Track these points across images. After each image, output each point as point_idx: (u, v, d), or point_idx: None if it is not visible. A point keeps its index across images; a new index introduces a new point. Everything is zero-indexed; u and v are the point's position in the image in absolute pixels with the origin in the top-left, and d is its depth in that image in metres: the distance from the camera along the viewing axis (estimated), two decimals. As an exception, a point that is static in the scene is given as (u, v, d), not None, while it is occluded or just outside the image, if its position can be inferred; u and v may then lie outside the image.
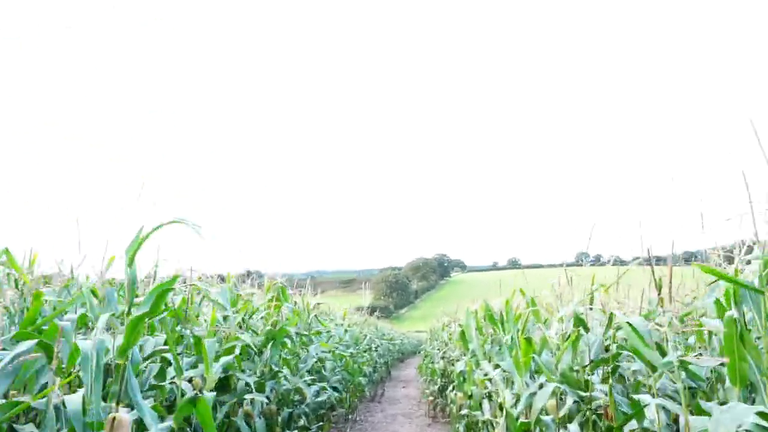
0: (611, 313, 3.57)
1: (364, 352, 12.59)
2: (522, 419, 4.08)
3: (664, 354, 2.90)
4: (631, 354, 3.29)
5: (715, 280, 3.12)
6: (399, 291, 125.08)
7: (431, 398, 10.23)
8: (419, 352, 36.82)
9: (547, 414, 3.96)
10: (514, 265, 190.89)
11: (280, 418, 5.34)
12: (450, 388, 9.29)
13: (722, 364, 2.51)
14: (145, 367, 3.38)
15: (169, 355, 3.39)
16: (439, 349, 12.27)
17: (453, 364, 10.11)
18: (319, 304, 10.95)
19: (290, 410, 5.78)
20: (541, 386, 3.88)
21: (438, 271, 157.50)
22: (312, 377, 6.47)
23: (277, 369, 5.29)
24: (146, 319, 2.78)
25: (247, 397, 4.41)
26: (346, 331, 10.16)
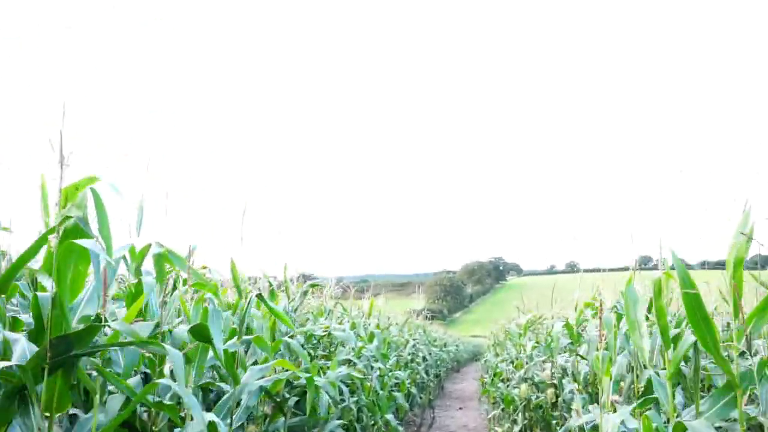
0: None
1: (404, 366, 8.88)
2: None
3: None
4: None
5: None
6: (453, 295, 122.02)
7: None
8: (477, 360, 33.19)
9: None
10: (572, 268, 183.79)
11: None
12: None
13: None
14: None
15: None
16: (512, 363, 8.48)
17: (542, 390, 6.33)
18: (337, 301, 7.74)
19: None
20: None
21: (493, 274, 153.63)
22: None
23: None
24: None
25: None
26: (371, 336, 6.54)
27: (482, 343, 38.87)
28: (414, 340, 10.87)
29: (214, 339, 2.55)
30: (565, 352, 6.21)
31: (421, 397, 9.98)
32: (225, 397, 2.77)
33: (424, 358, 11.28)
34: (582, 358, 4.90)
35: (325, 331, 4.97)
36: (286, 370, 3.19)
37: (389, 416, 5.78)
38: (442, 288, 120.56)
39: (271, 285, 4.70)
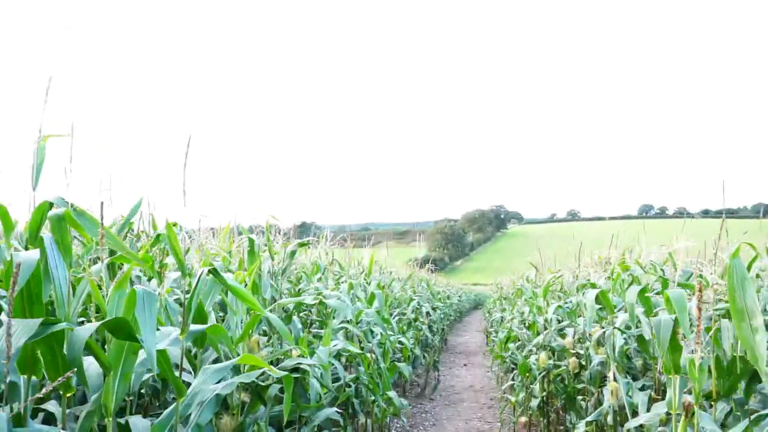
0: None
1: (408, 325, 8.17)
2: None
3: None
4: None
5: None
6: (454, 243, 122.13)
7: (523, 419, 5.84)
8: (478, 308, 32.82)
9: None
10: (573, 216, 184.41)
11: None
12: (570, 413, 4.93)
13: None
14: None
15: None
16: (524, 324, 7.77)
17: (560, 358, 5.62)
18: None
19: None
20: None
21: (494, 222, 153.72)
22: None
23: None
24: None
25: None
26: (371, 297, 5.80)
27: (483, 291, 38.54)
28: (417, 296, 10.16)
29: (143, 336, 1.77)
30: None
31: (425, 357, 9.34)
32: (165, 414, 1.99)
33: (428, 314, 10.60)
34: (620, 331, 4.14)
35: (316, 298, 4.20)
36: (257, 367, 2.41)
37: (392, 393, 5.07)
38: (443, 236, 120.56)
39: (251, 244, 3.92)
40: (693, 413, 2.42)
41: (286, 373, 2.44)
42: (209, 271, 2.17)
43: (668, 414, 2.67)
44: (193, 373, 2.41)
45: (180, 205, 2.48)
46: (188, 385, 2.97)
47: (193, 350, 3.04)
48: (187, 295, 2.14)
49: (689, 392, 2.91)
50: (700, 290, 2.00)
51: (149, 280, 3.51)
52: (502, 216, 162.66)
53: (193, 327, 2.13)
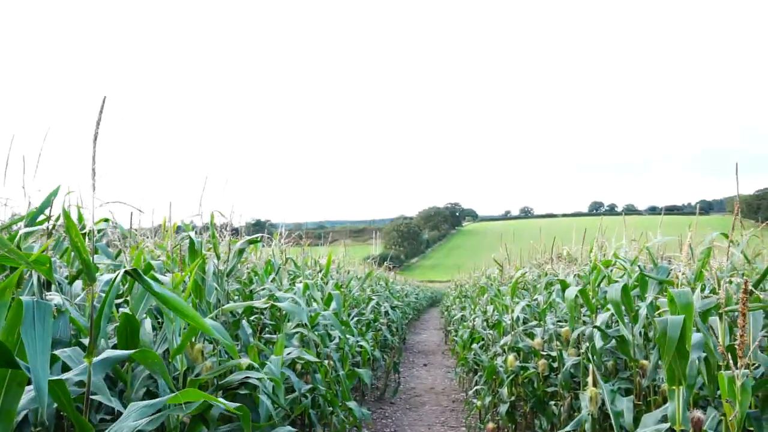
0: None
1: (366, 326, 7.78)
2: None
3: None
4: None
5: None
6: (410, 240, 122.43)
7: (491, 425, 5.50)
8: (435, 305, 32.62)
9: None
10: (526, 214, 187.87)
11: None
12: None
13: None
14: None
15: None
16: (486, 322, 7.47)
17: (526, 359, 5.32)
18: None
19: None
20: None
21: (450, 220, 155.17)
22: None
23: None
24: None
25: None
26: (328, 298, 5.38)
27: (440, 288, 38.45)
28: (376, 295, 9.77)
29: (30, 362, 1.32)
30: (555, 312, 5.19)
31: (385, 359, 8.95)
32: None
33: (386, 313, 10.22)
34: (600, 330, 3.84)
35: (268, 301, 3.75)
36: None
37: (351, 404, 4.65)
38: (399, 234, 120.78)
39: (192, 242, 3.45)
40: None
41: (240, 404, 1.99)
42: (129, 274, 1.71)
43: (671, 430, 2.34)
44: (120, 398, 1.94)
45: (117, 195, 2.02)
46: (111, 414, 2.49)
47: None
48: (97, 305, 1.67)
49: (696, 405, 2.60)
50: (745, 291, 1.66)
51: (70, 283, 3.02)
52: (457, 214, 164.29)
53: (110, 353, 1.67)
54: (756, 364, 2.35)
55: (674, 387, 2.33)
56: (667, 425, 2.41)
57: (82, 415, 1.55)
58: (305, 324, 4.73)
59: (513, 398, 5.39)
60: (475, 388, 6.37)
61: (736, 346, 1.65)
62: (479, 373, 6.78)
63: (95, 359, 1.60)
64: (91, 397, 2.11)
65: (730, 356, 1.84)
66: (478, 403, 6.11)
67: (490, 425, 5.33)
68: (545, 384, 5.07)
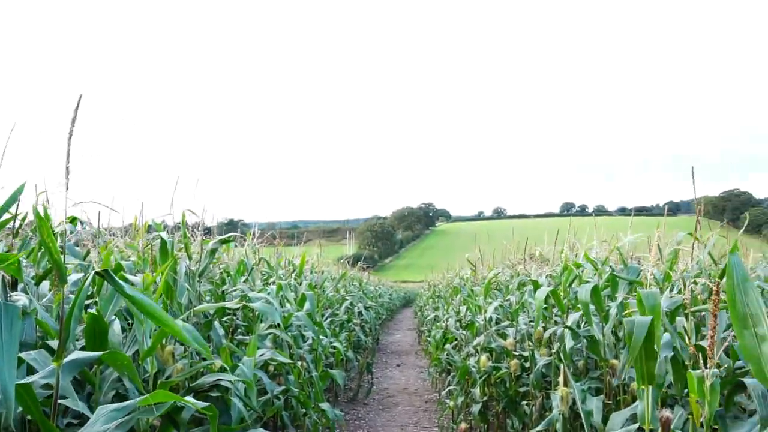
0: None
1: (340, 327, 7.76)
2: None
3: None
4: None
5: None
6: (384, 241, 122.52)
7: (464, 425, 5.53)
8: (408, 305, 32.65)
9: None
10: (499, 214, 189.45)
11: None
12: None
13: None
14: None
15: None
16: (459, 323, 7.51)
17: (499, 359, 5.36)
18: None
19: None
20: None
21: (423, 220, 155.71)
22: None
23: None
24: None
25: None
26: (301, 299, 5.36)
27: (413, 289, 38.53)
28: (350, 296, 9.75)
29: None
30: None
31: (358, 360, 8.94)
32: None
33: (360, 314, 10.21)
34: (570, 330, 3.88)
35: (240, 302, 3.72)
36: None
37: (325, 405, 4.64)
38: (373, 234, 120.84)
39: (164, 242, 3.40)
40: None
41: (208, 404, 1.97)
42: (100, 274, 1.68)
43: (640, 429, 2.38)
44: (87, 401, 1.90)
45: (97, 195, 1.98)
46: (78, 418, 2.44)
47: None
48: (69, 304, 1.64)
49: (664, 404, 2.65)
50: (717, 292, 1.69)
51: (37, 284, 2.95)
52: (430, 214, 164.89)
53: (78, 355, 1.64)
54: (723, 365, 2.40)
55: (643, 386, 2.37)
56: (636, 425, 2.45)
57: (49, 420, 1.52)
58: (278, 325, 4.71)
59: (485, 398, 5.43)
60: (448, 388, 6.41)
61: (707, 346, 1.69)
62: (452, 374, 6.81)
63: (63, 361, 1.57)
64: (60, 401, 2.07)
65: (700, 356, 1.88)
66: (451, 403, 6.14)
67: (463, 425, 5.36)
68: (517, 384, 5.12)
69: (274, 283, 5.62)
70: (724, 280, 1.60)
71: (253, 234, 6.56)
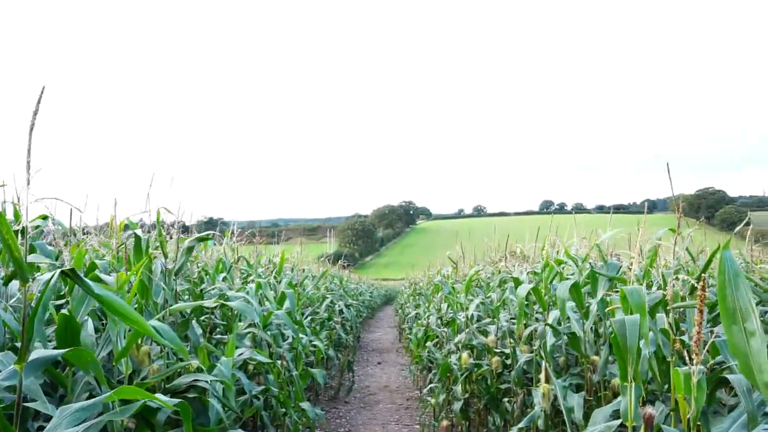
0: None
1: (320, 325, 7.70)
2: None
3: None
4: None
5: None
6: (365, 239, 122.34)
7: (446, 423, 5.51)
8: (389, 303, 32.63)
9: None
10: (479, 212, 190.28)
11: None
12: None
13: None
14: None
15: None
16: (440, 320, 7.49)
17: (480, 356, 5.34)
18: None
19: None
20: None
21: (404, 218, 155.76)
22: None
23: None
24: None
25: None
26: (281, 297, 5.29)
27: (394, 286, 38.51)
28: (331, 294, 9.69)
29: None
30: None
31: (339, 358, 8.89)
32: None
33: (340, 312, 10.15)
34: (552, 327, 3.87)
35: (218, 300, 3.65)
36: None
37: (305, 404, 4.58)
38: (354, 232, 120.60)
39: (138, 239, 3.33)
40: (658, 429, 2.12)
41: (179, 400, 1.91)
42: (66, 274, 1.61)
43: (623, 426, 2.37)
44: (60, 404, 1.83)
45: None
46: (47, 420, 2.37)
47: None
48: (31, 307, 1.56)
49: (644, 400, 2.64)
50: (703, 287, 1.67)
51: (5, 284, 2.85)
52: (411, 212, 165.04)
53: (40, 354, 1.57)
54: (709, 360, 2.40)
55: (626, 383, 2.36)
56: (617, 422, 2.43)
57: (12, 425, 1.45)
58: (257, 324, 4.64)
59: (467, 395, 5.42)
60: (430, 385, 6.38)
61: (693, 343, 1.67)
62: (433, 371, 6.79)
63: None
64: (27, 404, 1.99)
65: (686, 352, 1.86)
66: (432, 400, 6.12)
67: (444, 423, 5.34)
68: (499, 381, 5.11)
69: (253, 281, 5.55)
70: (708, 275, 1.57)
71: (232, 232, 6.48)
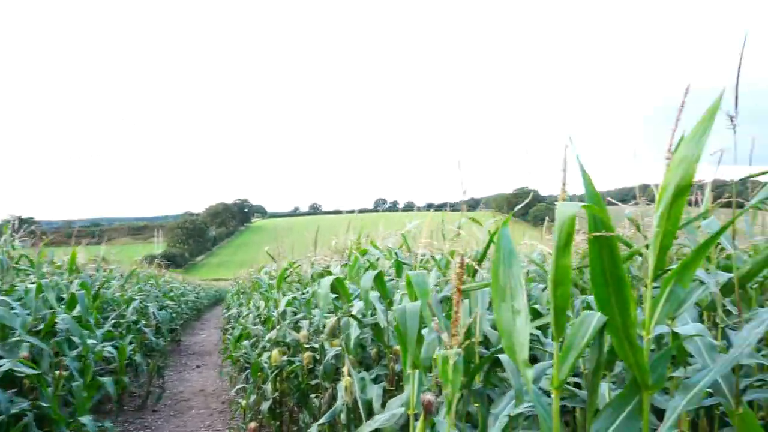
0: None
1: (127, 329, 7.05)
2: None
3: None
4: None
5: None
6: (196, 238, 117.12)
7: (253, 425, 5.22)
8: (219, 304, 31.40)
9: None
10: (315, 210, 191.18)
11: None
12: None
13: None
14: None
15: None
16: (259, 318, 7.24)
17: (293, 353, 5.18)
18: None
19: None
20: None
21: (238, 216, 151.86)
22: None
23: None
24: None
25: None
26: (71, 300, 4.71)
27: (225, 286, 37.23)
28: (141, 295, 8.95)
29: None
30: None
31: (148, 363, 8.20)
32: None
33: (153, 315, 9.41)
34: (356, 319, 3.80)
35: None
36: None
37: (85, 419, 4.06)
38: (185, 231, 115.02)
39: None
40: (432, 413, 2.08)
41: None
42: None
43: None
44: None
45: None
46: None
47: None
48: None
49: (429, 388, 2.61)
50: (462, 265, 1.61)
51: None
52: (246, 210, 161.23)
53: None
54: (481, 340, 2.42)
55: (411, 371, 2.30)
56: (402, 410, 2.38)
57: None
58: (31, 330, 4.05)
59: (277, 394, 5.21)
60: (240, 386, 6.08)
61: (452, 323, 1.61)
62: (248, 371, 6.50)
63: None
64: None
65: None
66: (243, 402, 5.83)
67: (252, 425, 5.08)
68: (310, 377, 4.97)
69: (33, 284, 4.88)
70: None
71: (12, 228, 5.71)
